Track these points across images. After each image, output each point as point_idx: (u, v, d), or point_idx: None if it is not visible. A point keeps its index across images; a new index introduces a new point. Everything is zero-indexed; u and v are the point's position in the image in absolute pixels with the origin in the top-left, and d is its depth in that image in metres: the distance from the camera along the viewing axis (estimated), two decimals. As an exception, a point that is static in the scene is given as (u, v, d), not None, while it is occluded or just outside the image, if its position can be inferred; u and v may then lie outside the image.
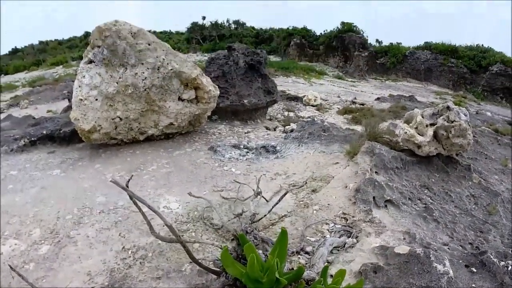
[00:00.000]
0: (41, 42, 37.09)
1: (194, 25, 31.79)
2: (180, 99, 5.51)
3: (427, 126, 4.53)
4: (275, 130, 7.11)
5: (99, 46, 4.98)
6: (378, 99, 13.01)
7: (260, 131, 6.68)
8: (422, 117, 4.64)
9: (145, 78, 5.05)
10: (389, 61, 23.38)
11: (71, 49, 33.67)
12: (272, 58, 24.31)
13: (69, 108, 7.47)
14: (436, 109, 4.67)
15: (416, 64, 22.56)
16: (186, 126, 5.77)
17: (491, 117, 11.44)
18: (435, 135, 4.45)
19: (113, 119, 5.04)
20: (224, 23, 32.74)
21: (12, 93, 14.81)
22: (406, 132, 4.48)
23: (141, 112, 5.21)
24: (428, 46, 23.52)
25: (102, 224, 3.18)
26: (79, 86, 4.95)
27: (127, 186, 2.17)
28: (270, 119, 8.19)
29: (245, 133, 6.45)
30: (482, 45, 23.15)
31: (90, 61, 5.04)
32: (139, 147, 5.29)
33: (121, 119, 5.09)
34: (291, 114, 9.11)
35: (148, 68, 5.07)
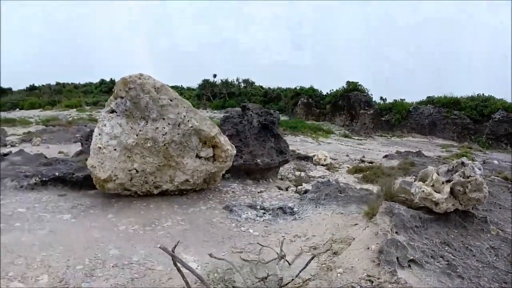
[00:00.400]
0: (58, 83, 39.05)
1: (205, 82, 33.27)
2: (197, 156, 5.56)
3: (443, 183, 4.53)
4: (287, 190, 7.06)
5: (122, 97, 5.10)
6: (386, 156, 13.06)
7: (272, 191, 6.65)
8: (438, 174, 4.66)
9: (166, 133, 5.15)
10: (394, 117, 23.86)
11: (86, 94, 35.24)
12: (280, 117, 24.90)
13: (81, 152, 7.50)
14: (450, 166, 4.72)
15: (420, 119, 22.97)
16: (201, 183, 5.76)
17: (499, 165, 11.42)
18: (452, 191, 4.44)
19: (129, 170, 5.07)
20: (234, 81, 34.32)
21: (26, 128, 15.15)
22: (423, 191, 4.47)
23: (158, 166, 5.24)
24: (430, 100, 24.10)
25: (117, 280, 3.05)
26: (99, 134, 5.03)
27: (173, 252, 2.12)
28: (281, 179, 8.17)
29: (258, 192, 6.42)
30: (483, 94, 23.71)
31: (112, 111, 5.14)
32: (153, 201, 5.25)
33: (137, 171, 5.12)
34: (302, 173, 9.11)
35: (169, 124, 5.18)
